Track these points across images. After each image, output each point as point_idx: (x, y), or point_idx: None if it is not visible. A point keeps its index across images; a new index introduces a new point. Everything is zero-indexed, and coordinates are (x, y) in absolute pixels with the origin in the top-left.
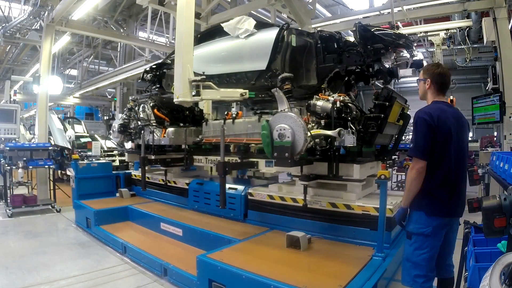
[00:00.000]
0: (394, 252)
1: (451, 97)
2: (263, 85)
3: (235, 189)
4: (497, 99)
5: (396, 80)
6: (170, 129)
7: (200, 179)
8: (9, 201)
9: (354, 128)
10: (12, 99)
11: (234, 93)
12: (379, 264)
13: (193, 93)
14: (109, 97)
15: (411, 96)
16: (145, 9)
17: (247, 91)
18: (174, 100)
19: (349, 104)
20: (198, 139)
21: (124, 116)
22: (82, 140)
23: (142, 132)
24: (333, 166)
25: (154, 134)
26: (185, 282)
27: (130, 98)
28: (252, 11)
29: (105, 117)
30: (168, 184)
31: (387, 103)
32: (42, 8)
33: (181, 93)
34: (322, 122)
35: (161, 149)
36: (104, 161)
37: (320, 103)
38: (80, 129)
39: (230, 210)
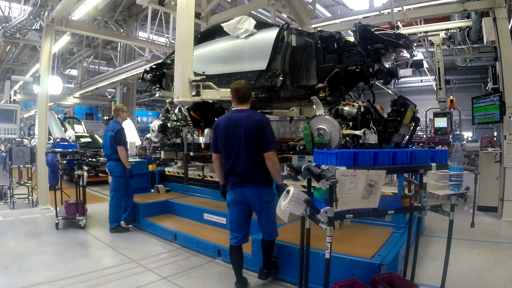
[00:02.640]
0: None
1: (451, 97)
2: (263, 85)
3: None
4: (497, 99)
5: (396, 80)
6: (209, 129)
7: None
8: (58, 209)
9: (375, 128)
10: (12, 99)
11: None
12: (399, 239)
13: (193, 93)
14: (109, 97)
15: (412, 96)
16: (145, 9)
17: None
18: (174, 100)
19: (370, 109)
20: None
21: (163, 117)
22: (82, 140)
23: (185, 131)
24: None
25: (191, 134)
26: None
27: (167, 101)
28: (252, 11)
29: (105, 117)
30: (205, 178)
31: (403, 109)
32: (42, 8)
33: (181, 93)
34: (350, 123)
35: (198, 147)
36: (139, 159)
37: (347, 108)
38: (80, 129)
39: None
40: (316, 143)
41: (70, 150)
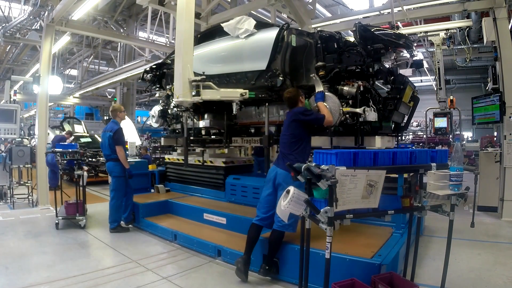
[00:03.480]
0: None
1: (451, 97)
2: (263, 85)
3: None
4: (497, 99)
5: None
6: (209, 114)
7: (236, 173)
8: (58, 209)
9: (374, 107)
10: (12, 99)
11: (234, 93)
12: (399, 239)
13: (193, 93)
14: (109, 97)
15: None
16: (145, 9)
17: (247, 91)
18: (174, 100)
19: (370, 89)
20: (233, 123)
21: (163, 103)
22: (82, 140)
23: (185, 116)
24: (359, 138)
25: (191, 119)
26: None
27: (167, 87)
28: (252, 11)
29: (105, 117)
30: (205, 164)
31: (402, 86)
32: (42, 8)
33: (181, 93)
34: (350, 102)
35: (199, 132)
36: (139, 159)
37: (346, 88)
38: (80, 129)
39: None
40: None
41: (70, 150)
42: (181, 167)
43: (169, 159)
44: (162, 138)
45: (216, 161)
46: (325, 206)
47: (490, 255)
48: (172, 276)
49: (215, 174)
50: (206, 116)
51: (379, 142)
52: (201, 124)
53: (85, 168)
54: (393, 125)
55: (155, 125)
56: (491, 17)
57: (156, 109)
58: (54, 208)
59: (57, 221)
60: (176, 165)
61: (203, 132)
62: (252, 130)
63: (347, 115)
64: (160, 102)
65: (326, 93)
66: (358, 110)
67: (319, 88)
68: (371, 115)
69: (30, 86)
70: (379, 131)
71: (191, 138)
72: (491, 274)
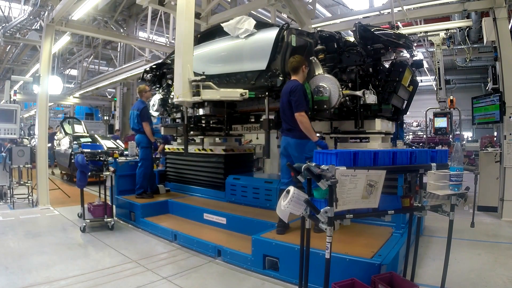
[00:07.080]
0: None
1: (451, 97)
2: (263, 85)
3: (271, 182)
4: (497, 99)
5: None
6: (209, 102)
7: (235, 161)
8: (84, 212)
9: (374, 89)
10: (12, 99)
11: (234, 93)
12: (399, 238)
13: (193, 93)
14: (109, 97)
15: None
16: (145, 9)
17: (247, 91)
18: (174, 100)
19: (369, 73)
20: (233, 111)
21: (163, 92)
22: (82, 140)
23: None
24: (359, 121)
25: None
26: (239, 259)
27: (167, 76)
28: (252, 11)
29: (105, 117)
30: (205, 152)
31: (401, 69)
32: (42, 8)
33: (181, 93)
34: (350, 85)
35: (198, 121)
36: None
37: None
38: (80, 129)
39: (266, 201)
40: (316, 101)
41: (100, 150)
42: (181, 156)
43: (169, 149)
44: (162, 128)
45: (216, 149)
46: (325, 206)
47: (490, 255)
48: (172, 276)
49: (215, 162)
50: (206, 104)
51: (379, 125)
52: (201, 112)
53: (112, 169)
54: (392, 109)
55: (155, 114)
56: (491, 17)
57: (157, 97)
58: (82, 210)
59: (84, 224)
60: (176, 154)
61: (203, 121)
62: (253, 119)
63: (347, 98)
64: (160, 91)
65: (325, 75)
66: (357, 93)
67: (319, 70)
68: (371, 98)
69: (30, 86)
70: (378, 114)
71: (191, 126)
72: (491, 274)
